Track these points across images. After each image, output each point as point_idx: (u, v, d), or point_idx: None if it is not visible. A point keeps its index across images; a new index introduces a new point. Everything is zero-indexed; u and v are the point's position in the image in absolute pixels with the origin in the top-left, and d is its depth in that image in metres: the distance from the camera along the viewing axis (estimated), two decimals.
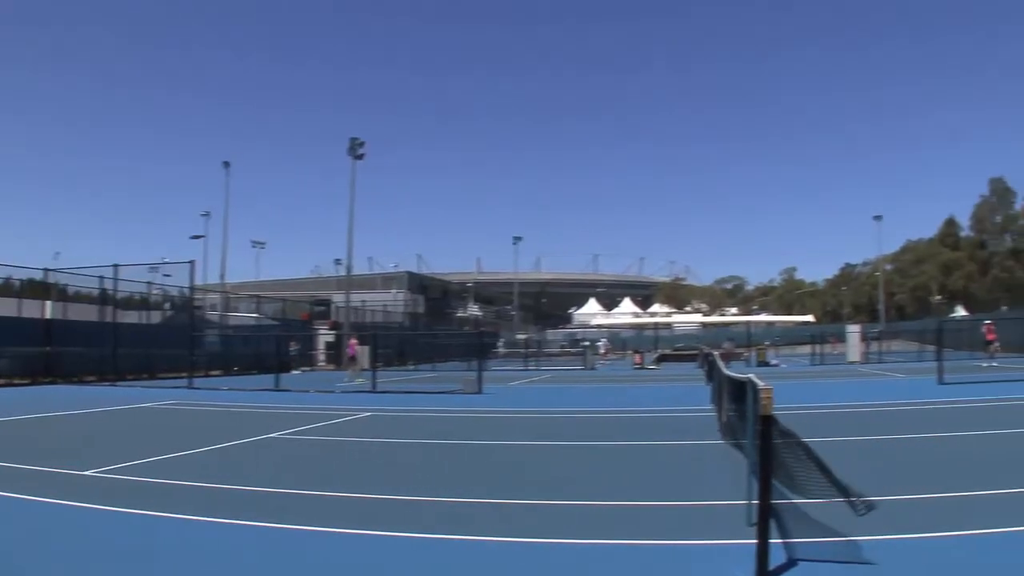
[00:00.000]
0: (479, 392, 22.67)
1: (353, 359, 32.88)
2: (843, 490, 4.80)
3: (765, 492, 4.78)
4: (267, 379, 28.40)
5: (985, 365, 31.32)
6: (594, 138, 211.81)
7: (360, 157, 50.64)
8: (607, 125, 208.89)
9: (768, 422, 4.87)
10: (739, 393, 7.80)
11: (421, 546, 5.82)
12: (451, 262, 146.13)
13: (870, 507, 4.82)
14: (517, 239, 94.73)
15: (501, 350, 59.10)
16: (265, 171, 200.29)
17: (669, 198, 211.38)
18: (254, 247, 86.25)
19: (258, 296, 56.06)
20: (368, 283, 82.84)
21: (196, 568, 5.38)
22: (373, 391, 24.03)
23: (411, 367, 45.67)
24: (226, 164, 59.35)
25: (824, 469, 4.94)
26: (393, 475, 9.37)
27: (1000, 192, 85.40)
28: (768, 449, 4.87)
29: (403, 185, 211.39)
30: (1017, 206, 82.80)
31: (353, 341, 34.47)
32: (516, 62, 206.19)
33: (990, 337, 36.01)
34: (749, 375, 6.36)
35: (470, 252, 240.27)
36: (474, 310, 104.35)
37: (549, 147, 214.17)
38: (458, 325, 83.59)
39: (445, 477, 9.14)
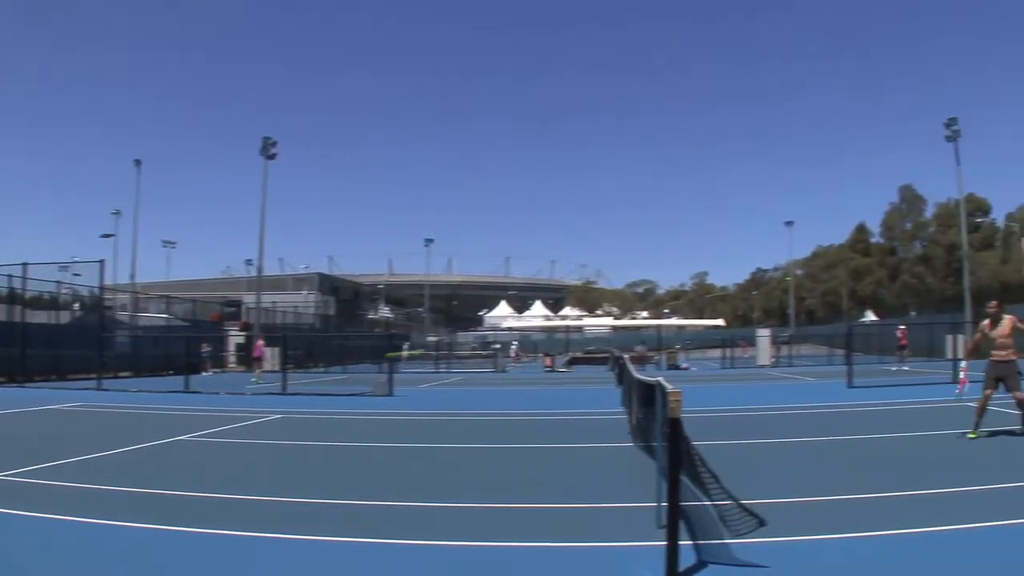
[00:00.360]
0: (390, 394, 22.35)
1: (259, 359, 32.33)
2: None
3: (674, 494, 4.76)
4: (177, 381, 27.51)
5: (895, 369, 32.35)
6: (522, 139, 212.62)
7: (272, 157, 49.75)
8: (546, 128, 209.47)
9: (676, 425, 4.86)
10: (649, 396, 7.83)
11: (283, 546, 5.79)
12: (362, 264, 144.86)
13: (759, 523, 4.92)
14: (428, 241, 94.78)
15: (405, 353, 58.22)
16: (178, 170, 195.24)
17: (582, 202, 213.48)
18: (165, 247, 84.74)
19: (168, 296, 54.44)
20: (279, 284, 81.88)
21: (49, 568, 5.36)
22: (284, 393, 23.46)
23: (321, 369, 45.01)
24: (137, 162, 58.32)
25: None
26: (286, 477, 9.21)
27: (910, 199, 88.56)
28: (677, 451, 4.85)
29: (314, 185, 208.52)
30: (927, 213, 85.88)
31: (260, 342, 34.00)
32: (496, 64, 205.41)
33: (903, 342, 37.08)
34: (658, 378, 6.37)
35: (381, 254, 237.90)
36: (385, 312, 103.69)
37: (468, 148, 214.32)
38: (369, 327, 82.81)
39: (345, 479, 8.96)
